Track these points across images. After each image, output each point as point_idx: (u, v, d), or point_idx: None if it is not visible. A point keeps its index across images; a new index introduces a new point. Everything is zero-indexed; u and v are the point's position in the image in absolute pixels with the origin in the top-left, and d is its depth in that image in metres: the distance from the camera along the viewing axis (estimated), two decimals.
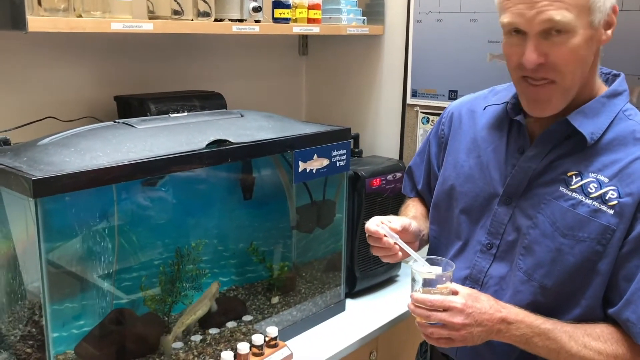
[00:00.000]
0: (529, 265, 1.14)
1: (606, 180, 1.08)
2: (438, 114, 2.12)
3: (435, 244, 1.36)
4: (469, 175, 1.26)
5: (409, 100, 2.21)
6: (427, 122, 2.17)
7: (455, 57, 2.06)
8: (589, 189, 1.08)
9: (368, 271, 1.92)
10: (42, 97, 1.73)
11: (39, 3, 1.41)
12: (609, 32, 1.07)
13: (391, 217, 1.27)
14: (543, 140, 1.15)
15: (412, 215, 1.43)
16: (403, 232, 1.25)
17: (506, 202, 1.18)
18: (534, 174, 1.15)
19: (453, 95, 2.09)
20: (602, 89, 1.14)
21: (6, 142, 1.42)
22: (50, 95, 1.75)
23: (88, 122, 1.69)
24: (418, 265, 1.15)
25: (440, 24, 2.08)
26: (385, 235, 1.21)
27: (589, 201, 1.08)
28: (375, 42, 2.29)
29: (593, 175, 1.09)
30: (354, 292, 1.92)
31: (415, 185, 1.50)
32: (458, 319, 1.07)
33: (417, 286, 1.14)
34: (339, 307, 1.84)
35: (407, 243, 1.22)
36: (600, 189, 1.07)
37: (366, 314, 1.83)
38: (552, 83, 1.07)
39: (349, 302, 1.88)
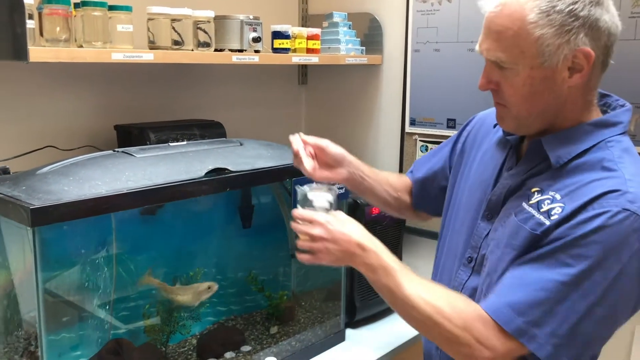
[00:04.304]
0: (484, 276, 1.16)
1: (559, 197, 1.07)
2: (436, 142, 2.13)
3: (436, 261, 1.37)
4: (473, 191, 1.28)
5: (408, 129, 2.23)
6: (426, 150, 2.18)
7: (453, 86, 2.08)
8: (542, 205, 1.08)
9: (368, 300, 1.90)
10: (42, 126, 1.74)
11: (41, 34, 1.43)
12: (577, 76, 1.06)
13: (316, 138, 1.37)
14: (525, 159, 1.17)
15: (373, 168, 1.47)
16: (319, 150, 1.35)
17: (487, 217, 1.20)
18: (509, 191, 1.17)
19: (451, 123, 2.10)
20: (593, 117, 1.14)
21: (5, 171, 1.42)
22: (50, 124, 1.76)
23: (88, 151, 1.70)
24: (317, 193, 1.23)
25: (437, 53, 2.11)
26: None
27: (538, 215, 1.07)
28: (373, 71, 2.31)
29: (552, 193, 1.08)
30: (354, 322, 1.90)
31: (414, 172, 1.52)
32: (316, 231, 1.15)
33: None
34: (339, 337, 1.82)
35: (326, 165, 1.35)
36: (551, 204, 1.07)
37: (366, 344, 1.81)
38: (505, 106, 1.13)
39: (349, 332, 1.86)
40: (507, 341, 1.03)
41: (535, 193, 1.11)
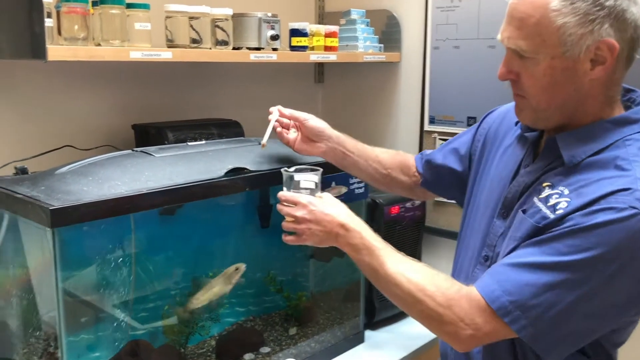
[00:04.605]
0: None
1: (567, 192, 1.04)
2: None
3: (455, 260, 1.35)
4: (492, 188, 1.26)
5: (427, 127, 2.20)
6: None
7: (473, 84, 2.04)
8: (550, 199, 1.05)
9: (387, 301, 1.84)
10: (60, 125, 1.74)
11: (59, 32, 1.43)
12: (599, 68, 1.02)
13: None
14: (541, 157, 1.14)
15: (360, 144, 1.48)
16: (300, 123, 1.43)
17: (503, 216, 1.17)
18: (525, 188, 1.14)
19: (471, 121, 2.07)
20: (615, 113, 1.09)
21: (24, 170, 1.42)
22: (69, 124, 1.76)
23: (106, 150, 1.69)
24: (302, 175, 1.25)
25: (457, 50, 2.08)
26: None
27: (545, 210, 1.05)
28: (392, 69, 2.29)
29: (561, 188, 1.05)
30: (373, 323, 1.88)
31: (426, 154, 1.50)
32: (299, 213, 1.19)
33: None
34: (358, 339, 1.80)
35: (307, 139, 1.43)
36: (558, 198, 1.04)
37: (385, 346, 1.79)
38: (524, 98, 1.10)
39: (368, 334, 1.84)
40: (491, 320, 1.02)
41: (547, 188, 1.08)
